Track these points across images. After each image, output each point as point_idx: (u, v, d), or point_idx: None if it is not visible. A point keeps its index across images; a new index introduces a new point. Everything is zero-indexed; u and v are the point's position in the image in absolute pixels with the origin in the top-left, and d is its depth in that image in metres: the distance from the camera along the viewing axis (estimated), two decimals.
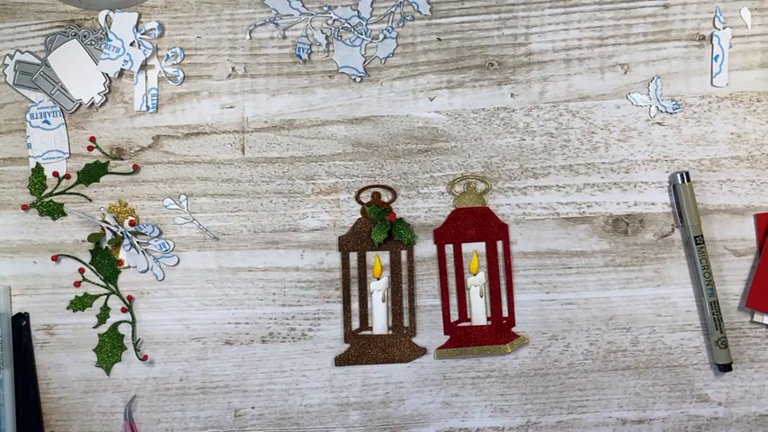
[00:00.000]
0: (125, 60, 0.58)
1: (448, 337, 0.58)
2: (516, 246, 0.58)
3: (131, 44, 0.58)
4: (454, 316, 0.58)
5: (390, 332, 0.58)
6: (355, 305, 0.59)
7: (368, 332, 0.58)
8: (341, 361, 0.58)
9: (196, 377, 0.59)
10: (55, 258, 0.59)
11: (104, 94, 0.59)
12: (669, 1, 0.58)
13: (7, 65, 0.59)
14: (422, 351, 0.58)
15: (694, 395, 0.58)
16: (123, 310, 0.59)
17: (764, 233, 0.57)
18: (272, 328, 0.59)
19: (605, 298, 0.58)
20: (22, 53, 0.59)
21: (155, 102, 0.59)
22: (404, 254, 0.59)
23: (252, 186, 0.59)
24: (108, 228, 0.58)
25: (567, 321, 0.58)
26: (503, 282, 0.58)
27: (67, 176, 0.59)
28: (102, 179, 0.59)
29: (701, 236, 0.56)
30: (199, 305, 0.59)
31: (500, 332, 0.58)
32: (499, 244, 0.58)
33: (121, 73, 0.59)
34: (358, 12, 0.58)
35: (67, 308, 0.59)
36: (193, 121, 0.59)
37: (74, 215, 0.59)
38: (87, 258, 0.59)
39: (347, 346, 0.58)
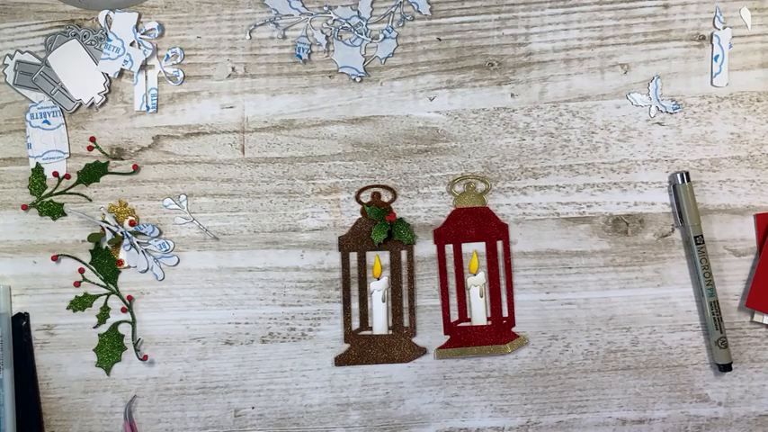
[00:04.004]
0: (125, 60, 0.58)
1: (448, 337, 0.58)
2: (516, 246, 0.58)
3: (131, 44, 0.58)
4: (454, 316, 0.59)
5: (390, 332, 0.58)
6: (355, 305, 0.59)
7: (368, 332, 0.58)
8: (341, 361, 0.58)
9: (196, 377, 0.59)
10: (55, 258, 0.59)
11: (104, 94, 0.59)
12: (669, 1, 0.58)
13: (7, 65, 0.59)
14: (422, 351, 0.58)
15: (694, 395, 0.58)
16: (123, 310, 0.59)
17: (764, 233, 0.57)
18: (272, 328, 0.59)
19: (605, 298, 0.58)
20: (22, 53, 0.59)
21: (155, 102, 0.59)
22: (404, 254, 0.59)
23: (252, 186, 0.59)
24: (108, 228, 0.58)
25: (567, 321, 0.58)
26: (503, 282, 0.58)
27: (67, 176, 0.59)
28: (102, 179, 0.59)
29: (701, 236, 0.56)
30: (199, 305, 0.59)
31: (500, 332, 0.58)
32: (499, 244, 0.58)
33: (121, 73, 0.59)
34: (358, 12, 0.58)
35: (67, 308, 0.59)
36: (193, 121, 0.59)
37: (74, 215, 0.59)
38: (87, 258, 0.59)
39: (347, 346, 0.58)
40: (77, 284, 0.59)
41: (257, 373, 0.59)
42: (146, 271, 0.59)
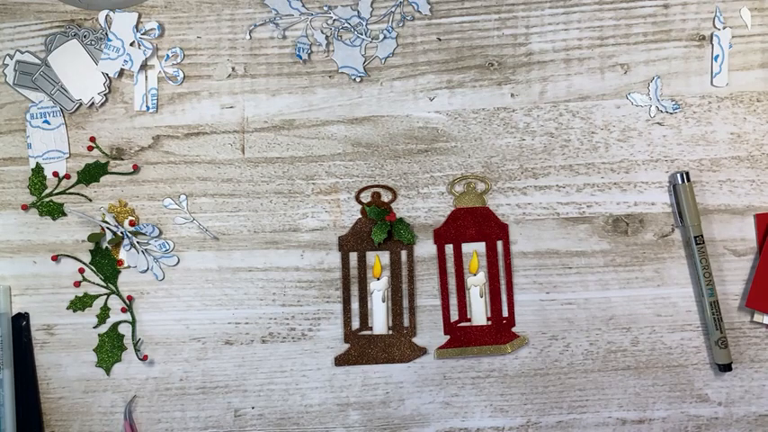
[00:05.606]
0: (125, 60, 0.58)
1: (448, 337, 0.58)
2: (516, 246, 0.58)
3: (131, 44, 0.58)
4: (454, 316, 0.58)
5: (390, 332, 0.58)
6: (355, 305, 0.59)
7: (368, 332, 0.58)
8: (341, 361, 0.58)
9: (196, 377, 0.59)
10: (55, 258, 0.59)
11: (104, 94, 0.59)
12: (669, 1, 0.58)
13: (7, 65, 0.59)
14: (422, 351, 0.58)
15: (694, 395, 0.58)
16: (123, 310, 0.59)
17: (764, 233, 0.57)
18: (272, 328, 0.59)
19: (605, 298, 0.58)
20: (22, 53, 0.59)
21: (155, 102, 0.59)
22: (404, 254, 0.59)
23: (252, 186, 0.59)
24: (108, 228, 0.58)
25: (567, 321, 0.58)
26: (503, 282, 0.58)
27: (67, 176, 0.59)
28: (102, 179, 0.59)
29: (701, 236, 0.56)
30: (199, 305, 0.59)
31: (500, 332, 0.58)
32: (499, 244, 0.58)
33: (121, 73, 0.59)
34: (358, 12, 0.58)
35: (67, 308, 0.59)
36: (193, 121, 0.59)
37: (74, 215, 0.59)
38: (87, 258, 0.59)
39: (347, 346, 0.58)
40: (77, 284, 0.59)
41: (257, 373, 0.59)
42: (146, 271, 0.59)
